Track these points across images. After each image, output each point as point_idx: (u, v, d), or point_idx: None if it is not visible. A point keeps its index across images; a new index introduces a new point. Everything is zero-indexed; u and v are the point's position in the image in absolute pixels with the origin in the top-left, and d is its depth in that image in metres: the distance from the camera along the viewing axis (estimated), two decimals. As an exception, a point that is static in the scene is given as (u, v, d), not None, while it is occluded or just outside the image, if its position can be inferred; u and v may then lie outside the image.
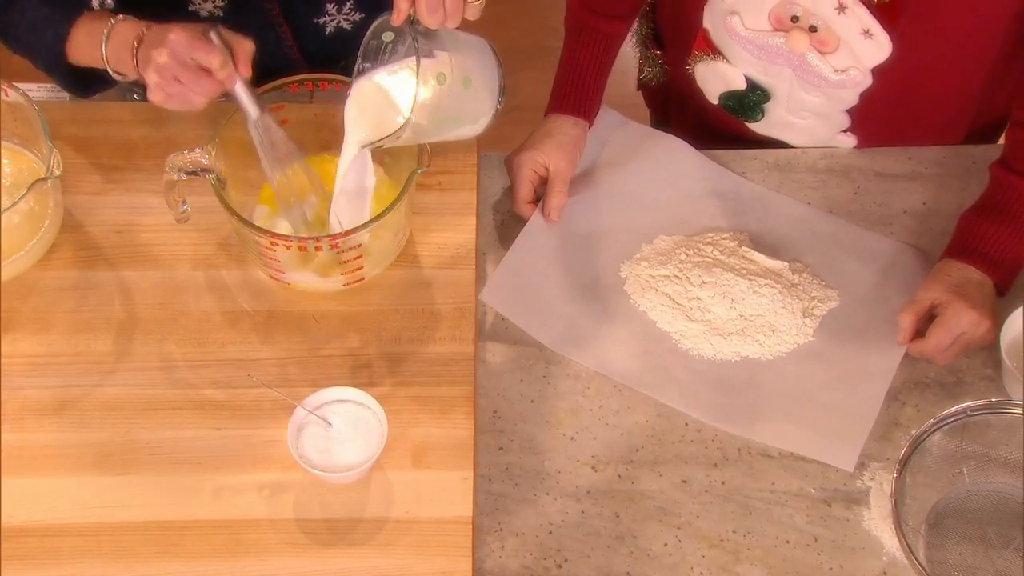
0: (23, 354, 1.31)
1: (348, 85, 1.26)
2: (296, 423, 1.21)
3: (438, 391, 1.29)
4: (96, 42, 1.28)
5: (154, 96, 1.23)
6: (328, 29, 1.49)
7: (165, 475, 1.24)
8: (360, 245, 1.27)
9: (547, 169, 1.43)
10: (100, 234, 1.39)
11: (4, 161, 1.39)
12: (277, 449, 1.24)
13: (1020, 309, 1.31)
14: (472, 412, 1.28)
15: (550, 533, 1.25)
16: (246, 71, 1.23)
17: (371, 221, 1.24)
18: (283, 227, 1.32)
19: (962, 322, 1.28)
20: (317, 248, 1.25)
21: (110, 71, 1.30)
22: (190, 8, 1.42)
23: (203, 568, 1.19)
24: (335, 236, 1.25)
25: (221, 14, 1.43)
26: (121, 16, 1.28)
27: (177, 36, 1.20)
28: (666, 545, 1.25)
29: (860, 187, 1.48)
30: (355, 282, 1.32)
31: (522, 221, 1.44)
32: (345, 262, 1.28)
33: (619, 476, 1.29)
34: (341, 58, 1.51)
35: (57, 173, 1.29)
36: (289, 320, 1.34)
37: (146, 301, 1.34)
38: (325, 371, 1.30)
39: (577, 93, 1.48)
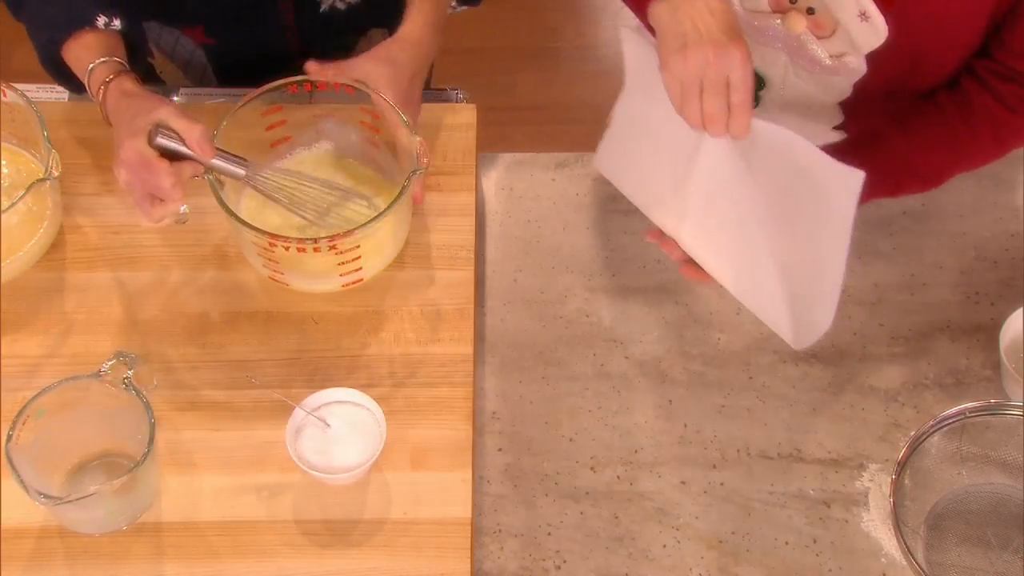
0: (22, 355, 1.31)
1: (347, 86, 1.26)
2: (295, 424, 1.21)
3: (437, 392, 1.29)
4: (82, 70, 1.31)
5: (141, 208, 1.24)
6: (323, 7, 1.48)
7: (163, 476, 1.24)
8: (359, 246, 1.27)
9: None
10: (99, 235, 1.39)
11: (3, 162, 1.39)
12: (276, 450, 1.23)
13: (1020, 310, 1.31)
14: (471, 413, 1.28)
15: (549, 534, 1.25)
16: (210, 153, 1.22)
17: (370, 221, 1.24)
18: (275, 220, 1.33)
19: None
20: (316, 249, 1.25)
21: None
22: None
23: (201, 569, 1.19)
24: (334, 237, 1.25)
25: None
26: (103, 59, 1.30)
27: (127, 157, 1.20)
28: (665, 546, 1.25)
29: (859, 188, 1.48)
30: (354, 283, 1.32)
31: (521, 229, 1.44)
32: (344, 263, 1.28)
33: (618, 477, 1.29)
34: (338, 37, 1.51)
35: (56, 174, 1.29)
36: (288, 321, 1.33)
37: (145, 302, 1.34)
38: (324, 372, 1.30)
39: None
